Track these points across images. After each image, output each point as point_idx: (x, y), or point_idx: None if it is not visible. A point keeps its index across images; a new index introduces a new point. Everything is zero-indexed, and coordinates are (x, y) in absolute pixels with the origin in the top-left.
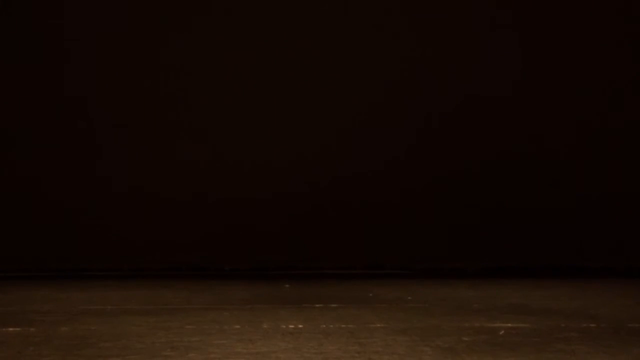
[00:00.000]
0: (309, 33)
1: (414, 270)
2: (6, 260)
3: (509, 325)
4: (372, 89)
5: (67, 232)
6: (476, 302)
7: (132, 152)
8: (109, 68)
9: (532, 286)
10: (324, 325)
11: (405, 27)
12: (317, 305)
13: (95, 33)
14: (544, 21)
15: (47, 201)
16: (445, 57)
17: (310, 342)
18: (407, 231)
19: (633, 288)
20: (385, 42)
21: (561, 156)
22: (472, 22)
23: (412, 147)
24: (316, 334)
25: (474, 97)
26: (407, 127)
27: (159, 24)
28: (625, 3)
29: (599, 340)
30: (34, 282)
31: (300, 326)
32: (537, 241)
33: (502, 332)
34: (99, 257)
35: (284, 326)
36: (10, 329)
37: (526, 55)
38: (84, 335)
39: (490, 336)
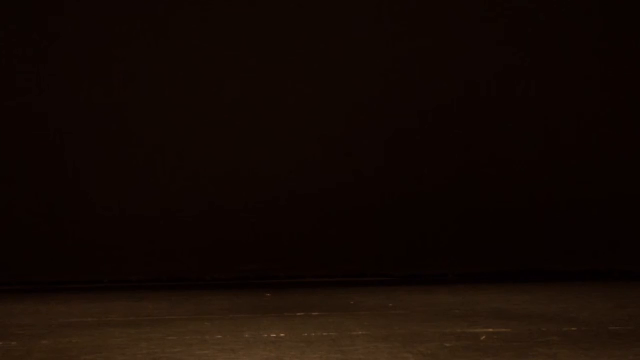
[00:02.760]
0: (296, 33)
1: (395, 277)
2: None
3: (491, 330)
4: (355, 93)
5: (47, 244)
6: (457, 308)
7: (112, 163)
8: (85, 79)
9: (513, 290)
10: (306, 334)
11: (395, 25)
12: (298, 314)
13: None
14: (550, 17)
15: (26, 214)
16: (437, 57)
17: (293, 351)
18: (388, 238)
19: (614, 291)
20: (376, 42)
21: (539, 160)
22: (468, 19)
23: (392, 154)
24: (298, 343)
25: (455, 105)
26: (389, 134)
27: (135, 37)
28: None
29: (580, 344)
30: (14, 295)
31: (282, 335)
32: (517, 245)
33: (483, 338)
34: (79, 270)
35: (266, 335)
36: None
37: (523, 54)
38: (66, 348)
39: (472, 342)
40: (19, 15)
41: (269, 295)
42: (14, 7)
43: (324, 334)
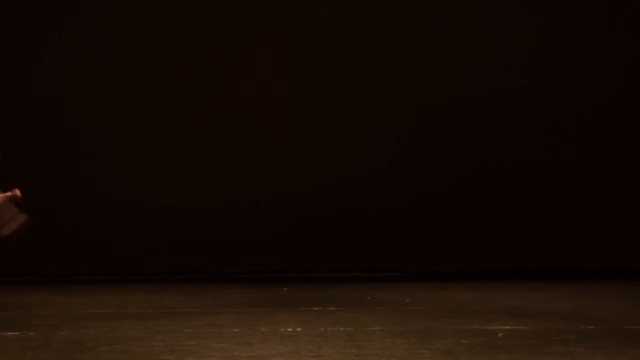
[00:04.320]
0: (300, 34)
1: (412, 273)
2: (4, 264)
3: (507, 327)
4: (367, 90)
5: (65, 237)
6: (474, 305)
7: (130, 159)
8: (97, 75)
9: (529, 288)
10: (322, 329)
11: (401, 27)
12: (315, 309)
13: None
14: (550, 17)
15: (45, 206)
16: (442, 59)
17: (309, 345)
18: (404, 234)
19: (630, 289)
20: (381, 44)
21: (557, 159)
22: (470, 21)
23: (409, 151)
24: (314, 337)
25: (469, 98)
26: (403, 130)
27: (147, 42)
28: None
29: (596, 342)
30: (32, 286)
31: (299, 329)
32: (534, 243)
33: (500, 335)
34: (96, 262)
35: (282, 329)
36: (9, 333)
37: (527, 54)
38: (83, 340)
39: (488, 338)
40: (35, 17)
41: (285, 289)
42: (32, 7)
43: (340, 328)
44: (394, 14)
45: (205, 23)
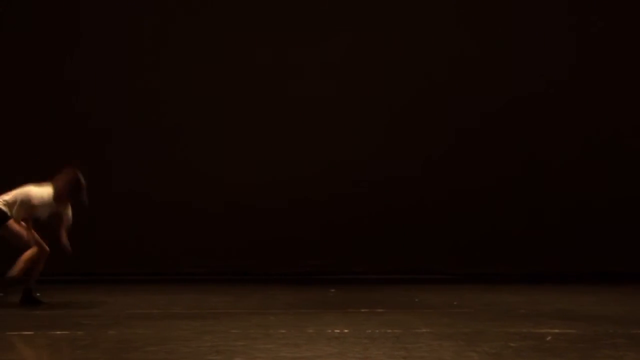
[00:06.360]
0: (343, 29)
1: (460, 275)
2: (53, 265)
3: (556, 331)
4: (409, 89)
5: (113, 237)
6: (522, 308)
7: (181, 161)
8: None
9: (579, 291)
10: (370, 330)
11: (446, 26)
12: (362, 310)
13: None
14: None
15: (92, 208)
16: (487, 58)
17: (356, 347)
18: (453, 236)
19: None
20: (422, 42)
21: (605, 161)
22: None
23: (455, 152)
24: (361, 339)
25: (514, 101)
26: (447, 131)
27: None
28: None
29: None
30: (80, 286)
31: (346, 331)
32: (584, 246)
33: (549, 338)
34: (144, 262)
35: (330, 331)
36: (58, 332)
37: (570, 54)
38: (131, 339)
39: (537, 342)
40: (72, 13)
41: (333, 290)
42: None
43: (388, 330)
44: (434, 16)
45: (241, 27)
